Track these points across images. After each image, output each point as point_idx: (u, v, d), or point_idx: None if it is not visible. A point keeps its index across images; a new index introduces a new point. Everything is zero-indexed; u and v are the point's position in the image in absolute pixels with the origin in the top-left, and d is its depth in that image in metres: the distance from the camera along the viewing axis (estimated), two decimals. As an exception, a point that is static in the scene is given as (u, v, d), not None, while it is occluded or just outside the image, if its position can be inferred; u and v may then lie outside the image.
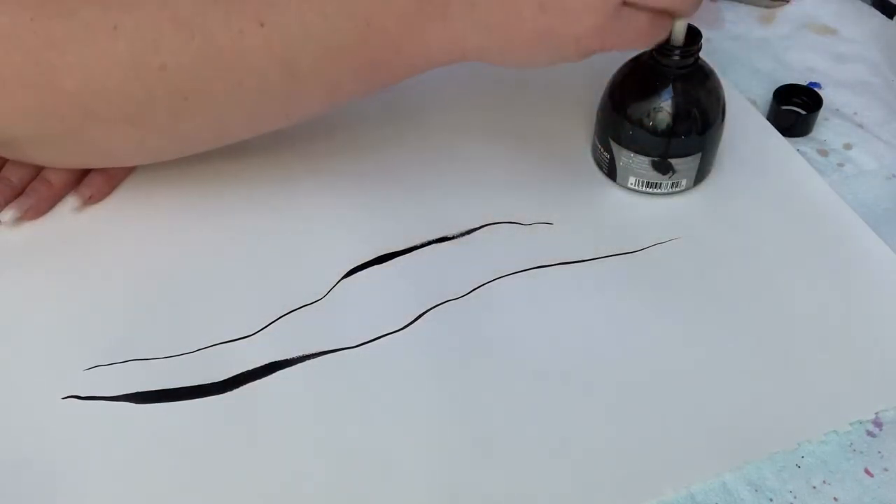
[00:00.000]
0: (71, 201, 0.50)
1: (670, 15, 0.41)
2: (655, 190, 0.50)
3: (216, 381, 0.43)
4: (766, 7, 0.65)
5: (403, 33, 0.40)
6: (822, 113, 0.55)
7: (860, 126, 0.56)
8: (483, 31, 0.39)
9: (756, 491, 0.39)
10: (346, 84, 0.43)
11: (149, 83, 0.40)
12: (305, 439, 0.40)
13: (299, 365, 0.43)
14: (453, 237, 0.49)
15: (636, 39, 0.40)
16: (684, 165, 0.49)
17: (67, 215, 0.50)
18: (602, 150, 0.51)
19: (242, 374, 0.43)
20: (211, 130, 0.46)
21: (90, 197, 0.50)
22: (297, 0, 0.39)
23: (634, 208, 0.51)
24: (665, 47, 0.46)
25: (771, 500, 0.38)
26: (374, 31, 0.40)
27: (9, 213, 0.49)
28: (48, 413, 0.41)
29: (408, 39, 0.40)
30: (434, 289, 0.46)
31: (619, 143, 0.49)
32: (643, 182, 0.50)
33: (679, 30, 0.45)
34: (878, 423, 0.41)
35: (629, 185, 0.51)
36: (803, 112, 0.55)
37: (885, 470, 0.39)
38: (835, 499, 0.38)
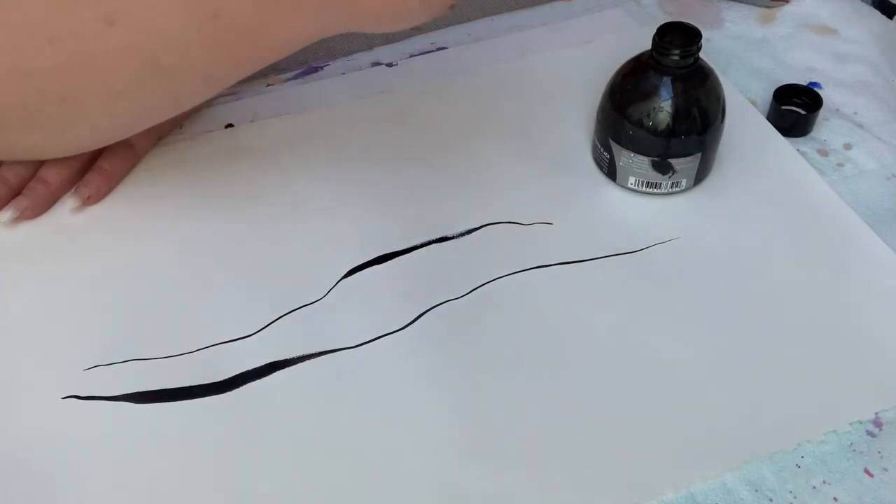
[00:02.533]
0: (70, 201, 0.50)
1: None
2: (655, 190, 0.50)
3: (216, 381, 0.43)
4: (766, 7, 0.65)
5: (253, 28, 0.39)
6: (822, 113, 0.55)
7: (860, 126, 0.56)
8: (333, 10, 0.38)
9: (756, 491, 0.39)
10: (220, 74, 0.42)
11: (22, 90, 0.40)
12: (305, 439, 0.40)
13: (299, 365, 0.43)
14: (453, 237, 0.49)
15: None
16: (684, 165, 0.49)
17: (66, 215, 0.50)
18: (602, 150, 0.51)
19: (242, 374, 0.43)
20: (107, 127, 0.46)
21: (89, 197, 0.50)
22: None
23: (634, 208, 0.51)
24: (665, 47, 0.46)
25: (771, 500, 0.38)
26: (222, 26, 0.39)
27: (6, 214, 0.49)
28: (48, 413, 0.42)
29: (259, 32, 0.39)
30: (434, 289, 0.46)
31: (619, 143, 0.49)
32: (643, 182, 0.50)
33: None
34: (878, 423, 0.41)
35: (629, 185, 0.51)
36: (803, 112, 0.55)
37: (885, 470, 0.39)
38: (835, 499, 0.38)
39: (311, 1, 0.37)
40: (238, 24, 0.39)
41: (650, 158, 0.49)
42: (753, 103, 0.57)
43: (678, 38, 0.47)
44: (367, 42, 0.62)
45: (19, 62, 0.39)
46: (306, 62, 0.61)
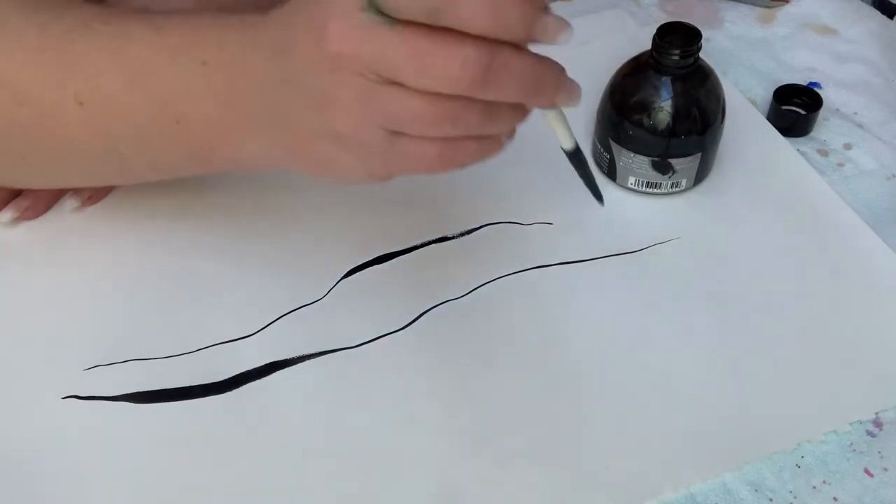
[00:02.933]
0: (69, 202, 0.50)
1: (472, 138, 0.34)
2: (655, 190, 0.50)
3: (216, 381, 0.43)
4: (766, 7, 0.65)
5: (212, 139, 0.39)
6: (822, 113, 0.55)
7: (860, 126, 0.56)
8: (281, 153, 0.38)
9: (756, 491, 0.39)
10: (171, 167, 0.43)
11: None
12: (305, 439, 0.40)
13: (299, 365, 0.43)
14: (453, 237, 0.49)
15: (430, 165, 0.34)
16: (684, 165, 0.49)
17: (67, 215, 0.50)
18: (602, 150, 0.51)
19: (242, 374, 0.43)
20: (60, 182, 0.48)
21: (89, 197, 0.50)
22: (115, 85, 0.39)
23: (634, 208, 0.51)
24: (664, 47, 0.46)
25: (771, 500, 0.38)
26: (183, 130, 0.39)
27: (7, 214, 0.49)
28: (48, 413, 0.41)
29: (218, 145, 0.39)
30: (434, 289, 0.46)
31: (619, 143, 0.49)
32: (643, 182, 0.50)
33: (557, 130, 0.38)
34: (878, 423, 0.41)
35: (629, 185, 0.51)
36: (803, 112, 0.55)
37: (885, 470, 0.39)
38: (835, 499, 0.38)
39: (262, 129, 0.37)
40: (198, 133, 0.39)
41: (650, 158, 0.49)
42: (753, 103, 0.57)
43: (678, 38, 0.47)
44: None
45: None
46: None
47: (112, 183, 0.48)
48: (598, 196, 0.42)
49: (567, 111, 0.56)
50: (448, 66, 0.30)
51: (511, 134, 0.36)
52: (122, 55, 0.39)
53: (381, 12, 0.30)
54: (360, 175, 0.36)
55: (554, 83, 0.33)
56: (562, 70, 0.34)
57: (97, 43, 0.39)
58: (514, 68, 0.31)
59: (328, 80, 0.32)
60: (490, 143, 0.35)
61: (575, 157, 0.40)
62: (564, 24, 0.32)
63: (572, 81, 0.34)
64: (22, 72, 0.39)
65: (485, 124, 0.33)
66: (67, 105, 0.39)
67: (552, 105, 0.34)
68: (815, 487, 0.39)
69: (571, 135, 0.38)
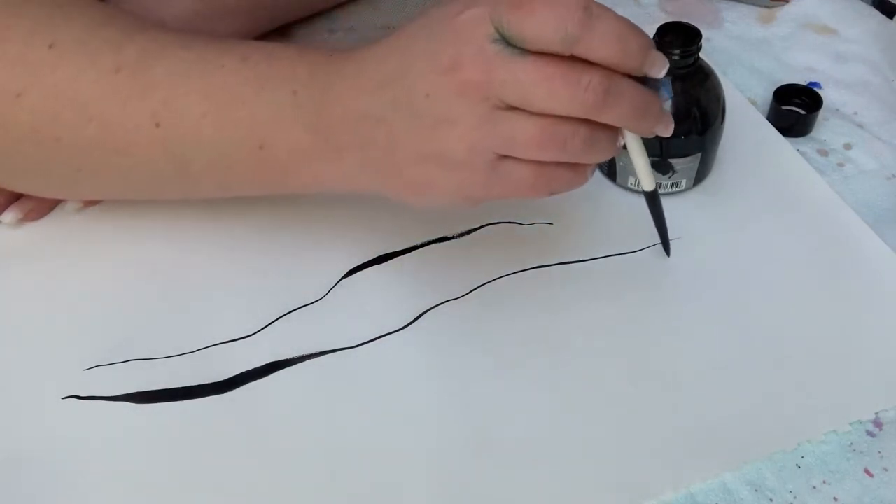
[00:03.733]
0: (72, 203, 0.50)
1: (567, 165, 0.38)
2: (655, 190, 0.50)
3: (216, 381, 0.43)
4: (766, 7, 0.65)
5: (294, 163, 0.40)
6: (822, 113, 0.55)
7: (860, 126, 0.56)
8: (373, 176, 0.39)
9: (756, 491, 0.39)
10: (238, 188, 0.44)
11: (45, 150, 0.41)
12: (305, 439, 0.40)
13: (299, 365, 0.43)
14: (453, 237, 0.49)
15: (526, 190, 0.37)
16: (684, 165, 0.49)
17: (69, 216, 0.51)
18: (602, 150, 0.51)
19: (242, 374, 0.43)
20: (107, 194, 0.48)
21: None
22: (198, 109, 0.40)
23: (634, 208, 0.51)
24: (664, 47, 0.46)
25: (771, 500, 0.38)
26: (265, 155, 0.40)
27: (10, 215, 0.49)
28: (48, 413, 0.42)
29: (297, 170, 0.41)
30: (434, 289, 0.46)
31: (619, 143, 0.49)
32: (643, 182, 0.50)
33: (641, 169, 0.41)
34: (878, 423, 0.41)
35: (629, 185, 0.51)
36: (803, 112, 0.55)
37: (885, 470, 0.39)
38: (835, 499, 0.38)
39: (354, 154, 0.39)
40: (280, 160, 0.40)
41: (650, 158, 0.49)
42: (753, 103, 0.57)
43: (678, 38, 0.47)
44: (368, 42, 0.62)
45: (52, 128, 0.41)
46: (306, 62, 0.61)
47: (168, 198, 0.49)
48: (667, 246, 0.47)
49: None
50: (574, 89, 0.34)
51: (594, 169, 0.39)
52: (206, 81, 0.40)
53: (509, 44, 0.34)
54: (456, 198, 0.38)
55: (657, 112, 0.37)
56: (662, 100, 0.38)
57: (179, 67, 0.40)
58: (628, 94, 0.35)
59: (452, 106, 0.35)
60: (580, 173, 0.38)
61: (652, 199, 0.44)
62: (665, 60, 0.36)
63: (669, 114, 0.38)
64: (93, 89, 0.40)
65: (585, 151, 0.36)
66: (143, 125, 0.40)
67: (651, 133, 0.38)
68: (815, 487, 0.39)
69: (653, 177, 0.42)
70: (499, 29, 0.34)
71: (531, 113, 0.35)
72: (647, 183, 0.42)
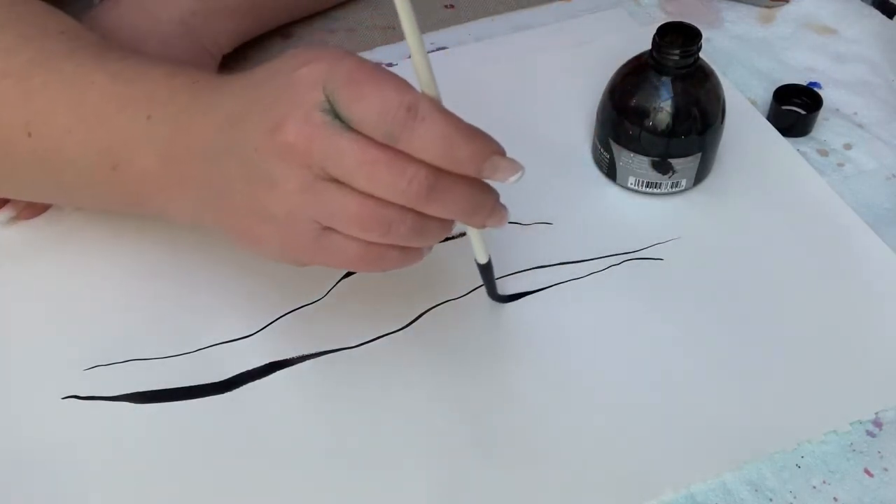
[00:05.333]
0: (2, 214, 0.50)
1: (398, 247, 0.36)
2: (655, 190, 0.50)
3: (216, 381, 0.43)
4: (766, 7, 0.65)
5: (145, 190, 0.40)
6: (822, 113, 0.55)
7: (860, 126, 0.56)
8: (213, 217, 0.38)
9: (756, 491, 0.39)
10: (108, 206, 0.44)
11: None
12: (305, 439, 0.40)
13: (299, 365, 0.43)
14: (453, 237, 0.49)
15: (352, 264, 0.36)
16: (684, 165, 0.49)
17: (67, 215, 0.50)
18: (602, 150, 0.51)
19: (242, 374, 0.43)
20: (22, 196, 0.49)
21: (25, 208, 0.50)
22: (64, 123, 0.40)
23: (634, 208, 0.51)
24: (665, 47, 0.46)
25: (771, 500, 0.38)
26: (119, 177, 0.40)
27: (4, 214, 0.49)
28: (48, 413, 0.42)
29: (148, 196, 0.40)
30: (434, 289, 0.46)
31: (619, 143, 0.49)
32: (643, 182, 0.50)
33: (475, 243, 0.41)
34: (878, 423, 0.41)
35: (629, 185, 0.51)
36: (803, 112, 0.55)
37: (885, 470, 0.39)
38: (835, 499, 0.38)
39: (195, 191, 0.38)
40: (133, 183, 0.40)
41: (650, 158, 0.49)
42: (753, 103, 0.57)
43: (678, 38, 0.47)
44: (368, 42, 0.62)
45: None
46: (306, 62, 0.61)
47: (66, 205, 0.49)
48: (501, 300, 0.46)
49: (566, 110, 0.57)
50: (396, 179, 0.32)
51: (430, 248, 0.38)
52: (75, 96, 0.40)
53: (338, 116, 0.32)
54: (282, 258, 0.37)
55: (490, 208, 0.36)
56: (498, 198, 0.36)
57: (56, 79, 0.41)
58: (457, 192, 0.34)
59: (274, 166, 0.34)
60: (412, 255, 0.37)
61: (485, 270, 0.43)
62: (517, 166, 0.34)
63: (504, 208, 0.37)
64: None
65: (413, 238, 0.35)
66: (17, 133, 0.41)
67: (482, 227, 0.37)
68: (815, 487, 0.39)
69: (486, 250, 0.42)
70: (330, 99, 0.32)
71: (355, 190, 0.33)
72: (481, 256, 0.42)
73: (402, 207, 0.34)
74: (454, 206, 0.34)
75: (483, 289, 0.46)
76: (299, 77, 0.33)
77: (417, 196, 0.33)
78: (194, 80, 0.39)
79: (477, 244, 0.41)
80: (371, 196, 0.33)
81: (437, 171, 0.33)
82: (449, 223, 0.36)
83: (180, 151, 0.38)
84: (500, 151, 0.34)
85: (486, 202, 0.35)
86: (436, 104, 0.33)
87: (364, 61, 0.33)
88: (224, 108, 0.37)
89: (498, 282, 0.46)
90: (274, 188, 0.34)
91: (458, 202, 0.34)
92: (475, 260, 0.43)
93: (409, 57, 0.34)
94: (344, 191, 0.33)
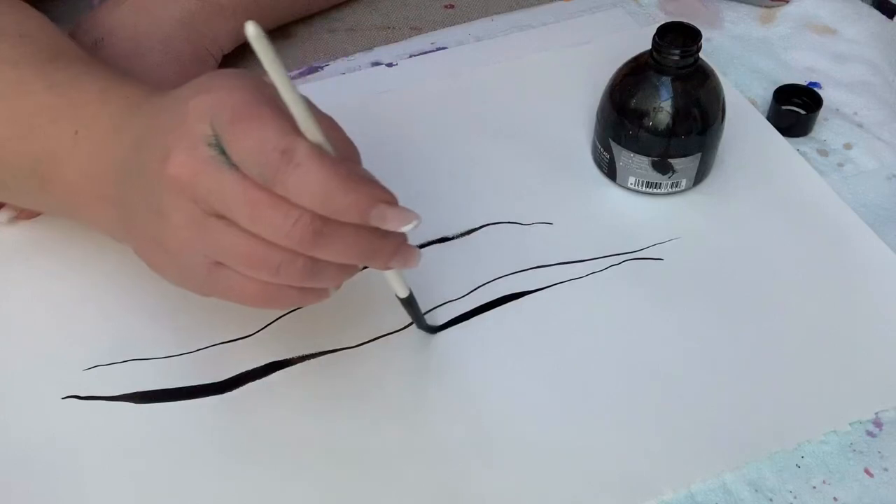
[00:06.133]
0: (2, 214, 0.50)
1: (295, 287, 0.35)
2: (655, 190, 0.50)
3: (216, 381, 0.43)
4: (766, 7, 0.65)
5: (71, 202, 0.40)
6: (822, 113, 0.55)
7: (860, 126, 0.56)
8: (126, 236, 0.38)
9: (756, 491, 0.39)
10: (53, 213, 0.44)
11: None
12: (305, 439, 0.40)
13: (299, 365, 0.43)
14: (453, 237, 0.49)
15: (248, 301, 0.35)
16: (684, 165, 0.49)
17: (67, 215, 0.50)
18: (602, 150, 0.51)
19: (242, 374, 0.43)
20: None
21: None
22: (4, 134, 0.40)
23: (634, 208, 0.51)
24: (665, 47, 0.46)
25: (771, 500, 0.38)
26: (49, 189, 0.40)
27: (4, 214, 0.49)
28: (48, 413, 0.42)
29: (74, 209, 0.40)
30: (434, 289, 0.46)
31: (619, 143, 0.49)
32: (643, 182, 0.50)
33: (391, 279, 0.40)
34: (878, 423, 0.41)
35: (629, 185, 0.51)
36: (803, 112, 0.55)
37: (885, 470, 0.39)
38: (835, 499, 0.38)
39: (111, 209, 0.38)
40: (59, 196, 0.40)
41: (650, 158, 0.49)
42: (753, 103, 0.57)
43: (678, 38, 0.47)
44: (368, 42, 0.62)
45: None
46: (306, 62, 0.61)
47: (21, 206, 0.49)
48: (429, 330, 0.44)
49: (566, 110, 0.57)
50: (280, 221, 0.31)
51: (338, 287, 0.36)
52: (13, 105, 0.40)
53: (224, 152, 0.31)
54: (184, 287, 0.37)
55: (390, 252, 0.34)
56: (402, 239, 0.35)
57: (0, 87, 0.41)
58: (347, 238, 0.32)
59: (164, 197, 0.33)
60: (314, 294, 0.36)
61: (408, 303, 0.42)
62: (409, 216, 0.32)
63: (410, 249, 0.35)
64: None
65: (306, 279, 0.33)
66: None
67: (385, 269, 0.36)
68: (815, 487, 0.39)
69: (405, 283, 0.40)
70: (216, 133, 0.31)
71: (242, 229, 0.32)
72: (401, 290, 0.41)
73: (292, 249, 0.32)
74: (345, 252, 0.33)
75: (482, 288, 0.46)
76: (191, 108, 0.33)
77: (302, 240, 0.32)
78: (126, 96, 0.39)
79: (392, 279, 0.40)
80: (258, 236, 0.32)
81: (322, 217, 0.31)
82: (350, 266, 0.35)
83: (100, 169, 0.38)
84: (388, 200, 0.32)
85: (383, 247, 0.34)
86: (314, 150, 0.31)
87: (256, 95, 0.31)
88: (135, 130, 0.36)
89: (498, 281, 0.46)
90: (165, 220, 0.34)
91: (349, 248, 0.33)
92: (396, 296, 0.41)
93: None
94: (231, 228, 0.32)
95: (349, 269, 0.35)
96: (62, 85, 0.40)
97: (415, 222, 0.33)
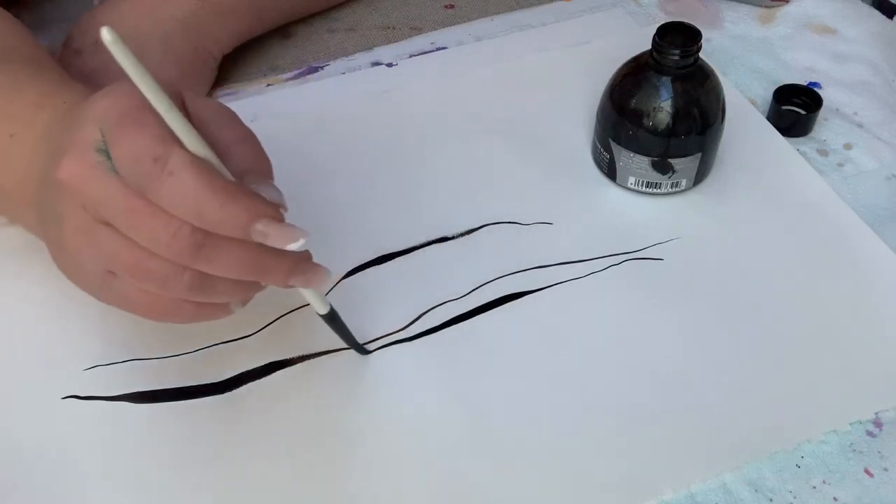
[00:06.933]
0: None
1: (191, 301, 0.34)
2: (655, 190, 0.50)
3: (216, 381, 0.43)
4: (766, 7, 0.65)
5: (8, 206, 0.40)
6: (822, 113, 0.55)
7: (860, 126, 0.56)
8: (45, 241, 0.38)
9: (756, 491, 0.39)
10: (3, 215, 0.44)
11: None
12: (305, 439, 0.40)
13: (299, 365, 0.43)
14: (453, 237, 0.49)
15: (145, 313, 0.34)
16: (684, 165, 0.49)
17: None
18: (602, 150, 0.51)
19: (242, 374, 0.43)
20: None
21: None
22: None
23: (634, 208, 0.51)
24: (665, 47, 0.46)
25: (771, 500, 0.38)
26: None
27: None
28: (48, 413, 0.41)
29: (11, 212, 0.41)
30: (434, 289, 0.46)
31: (619, 143, 0.49)
32: (643, 182, 0.50)
33: (309, 297, 0.38)
34: (878, 423, 0.41)
35: (629, 185, 0.51)
36: (803, 112, 0.55)
37: (885, 470, 0.39)
38: (835, 499, 0.38)
39: (33, 214, 0.38)
40: (2, 202, 0.41)
41: (650, 158, 0.49)
42: (753, 103, 0.57)
43: (678, 38, 0.47)
44: (368, 42, 0.62)
45: None
46: (306, 62, 0.61)
47: None
48: (361, 350, 0.43)
49: (566, 110, 0.57)
50: (160, 232, 0.30)
51: (244, 302, 0.35)
52: None
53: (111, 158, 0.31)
54: (89, 294, 0.36)
55: (285, 270, 0.33)
56: (302, 258, 0.34)
57: None
58: (231, 253, 0.31)
59: (60, 203, 0.33)
60: (212, 310, 0.35)
61: (330, 319, 0.40)
62: (293, 234, 0.31)
63: (314, 268, 0.34)
64: None
65: (197, 294, 0.32)
66: None
67: (285, 287, 0.34)
68: (815, 487, 0.39)
69: (324, 300, 0.39)
70: (104, 139, 0.31)
71: (128, 238, 0.31)
72: (320, 307, 0.39)
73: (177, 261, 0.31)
74: (231, 267, 0.32)
75: (482, 288, 0.46)
76: (87, 112, 0.32)
77: (182, 253, 0.31)
78: (64, 101, 0.39)
79: (307, 294, 0.38)
80: (143, 246, 0.31)
81: (203, 230, 0.30)
82: (248, 282, 0.33)
83: (31, 174, 0.38)
84: (269, 215, 0.31)
85: (276, 265, 0.33)
86: (189, 160, 0.30)
87: (146, 101, 0.30)
88: (55, 136, 0.36)
89: (498, 281, 0.46)
90: (62, 225, 0.33)
91: (235, 264, 0.32)
92: (318, 314, 0.40)
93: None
94: (118, 237, 0.32)
95: (247, 285, 0.34)
96: (3, 86, 0.40)
97: (301, 240, 0.32)
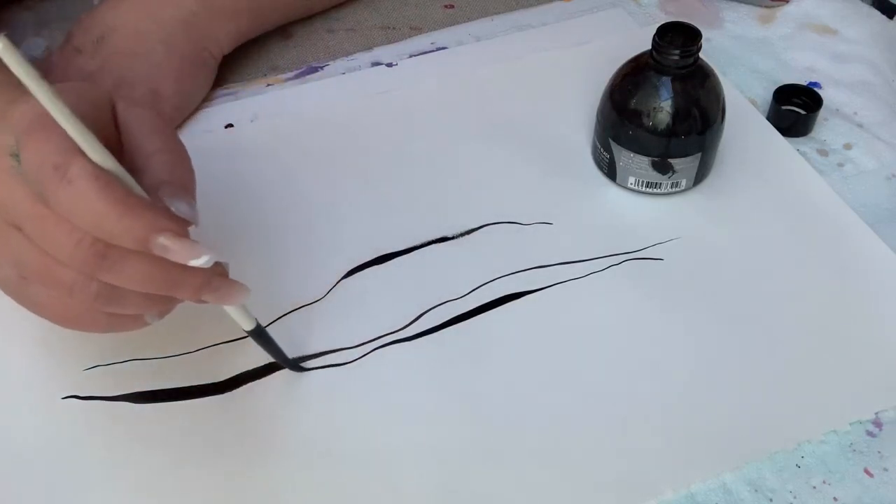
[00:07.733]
0: None
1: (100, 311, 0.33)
2: (655, 190, 0.50)
3: (216, 381, 0.43)
4: (766, 7, 0.65)
5: None
6: (822, 113, 0.55)
7: (860, 126, 0.56)
8: None
9: (756, 491, 0.39)
10: None
11: None
12: (305, 439, 0.40)
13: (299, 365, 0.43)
14: (453, 237, 0.49)
15: (56, 320, 0.34)
16: (684, 165, 0.49)
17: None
18: (602, 150, 0.51)
19: (242, 374, 0.43)
20: None
21: None
22: None
23: (634, 208, 0.51)
24: (665, 47, 0.46)
25: (771, 500, 0.38)
26: None
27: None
28: (48, 413, 0.41)
29: None
30: (434, 289, 0.46)
31: (619, 143, 0.49)
32: (643, 182, 0.50)
33: (232, 313, 0.37)
34: (878, 423, 0.41)
35: (629, 185, 0.51)
36: (803, 112, 0.55)
37: (885, 470, 0.39)
38: (835, 499, 0.38)
39: None
40: None
41: (650, 158, 0.49)
42: (753, 103, 0.57)
43: (678, 38, 0.47)
44: (368, 42, 0.62)
45: None
46: (306, 62, 0.61)
47: None
48: (293, 367, 0.42)
49: (566, 110, 0.57)
50: (63, 240, 0.30)
51: (160, 314, 0.35)
52: None
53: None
54: (8, 296, 0.36)
55: (195, 285, 0.33)
56: (215, 273, 0.34)
57: None
58: (136, 265, 0.31)
59: None
60: (125, 320, 0.34)
61: (257, 335, 0.39)
62: (195, 251, 0.31)
63: (229, 284, 0.34)
64: None
65: (104, 303, 0.32)
66: None
67: (199, 302, 0.34)
68: (815, 487, 0.39)
69: (248, 314, 0.38)
70: (17, 143, 0.31)
71: (36, 244, 0.31)
72: (246, 323, 0.38)
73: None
74: (136, 280, 0.31)
75: (482, 288, 0.46)
76: (7, 117, 0.32)
77: (85, 262, 0.30)
78: (12, 101, 0.38)
79: (229, 310, 0.37)
80: (49, 253, 0.31)
81: (105, 241, 0.30)
82: (160, 295, 0.33)
83: None
84: (170, 229, 0.31)
85: (184, 280, 0.32)
86: (89, 169, 0.29)
87: (61, 108, 0.29)
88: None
89: (498, 281, 0.46)
90: None
91: (140, 277, 0.31)
92: (244, 330, 0.39)
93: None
94: (27, 242, 0.32)
95: (159, 298, 0.33)
96: None
97: (204, 258, 0.31)
